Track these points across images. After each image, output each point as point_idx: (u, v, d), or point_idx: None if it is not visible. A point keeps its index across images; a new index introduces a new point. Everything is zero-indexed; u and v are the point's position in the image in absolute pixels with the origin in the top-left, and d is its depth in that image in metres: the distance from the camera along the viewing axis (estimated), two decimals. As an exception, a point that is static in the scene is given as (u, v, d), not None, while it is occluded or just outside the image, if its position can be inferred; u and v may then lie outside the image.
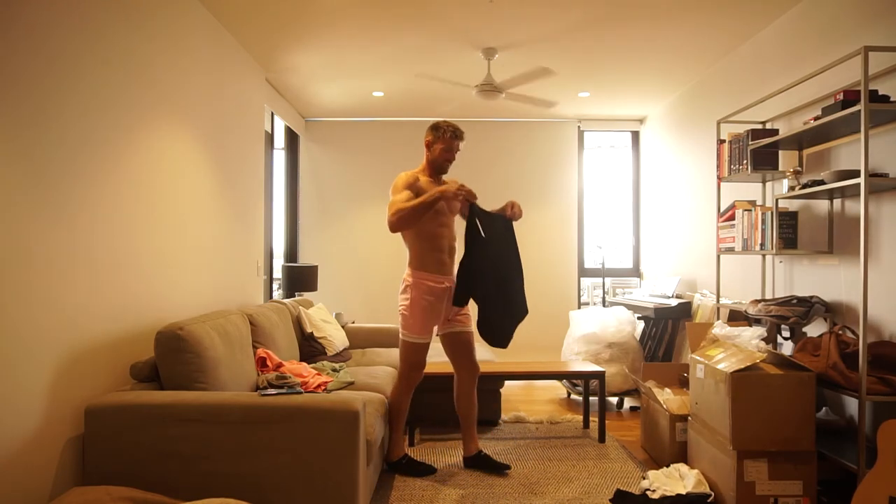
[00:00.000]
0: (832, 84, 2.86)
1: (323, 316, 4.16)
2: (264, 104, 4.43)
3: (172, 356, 2.25)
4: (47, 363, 2.03)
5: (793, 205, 3.19)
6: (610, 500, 2.63)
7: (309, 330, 3.86)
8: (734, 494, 2.42)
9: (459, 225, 2.98)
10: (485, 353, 3.88)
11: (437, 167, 2.93)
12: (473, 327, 2.97)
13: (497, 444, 3.40)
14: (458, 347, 2.97)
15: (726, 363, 2.55)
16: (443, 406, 3.45)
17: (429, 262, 2.87)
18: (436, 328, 2.96)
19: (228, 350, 2.52)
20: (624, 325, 4.38)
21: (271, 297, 5.03)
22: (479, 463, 3.02)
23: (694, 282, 4.61)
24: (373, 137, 5.93)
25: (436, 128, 2.91)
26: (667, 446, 3.03)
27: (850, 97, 2.49)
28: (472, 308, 2.94)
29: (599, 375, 3.49)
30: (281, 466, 2.07)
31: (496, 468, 2.98)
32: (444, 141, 2.89)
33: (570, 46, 3.93)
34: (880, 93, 2.47)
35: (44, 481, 2.01)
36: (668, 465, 2.83)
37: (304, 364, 3.17)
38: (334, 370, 3.32)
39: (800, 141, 3.01)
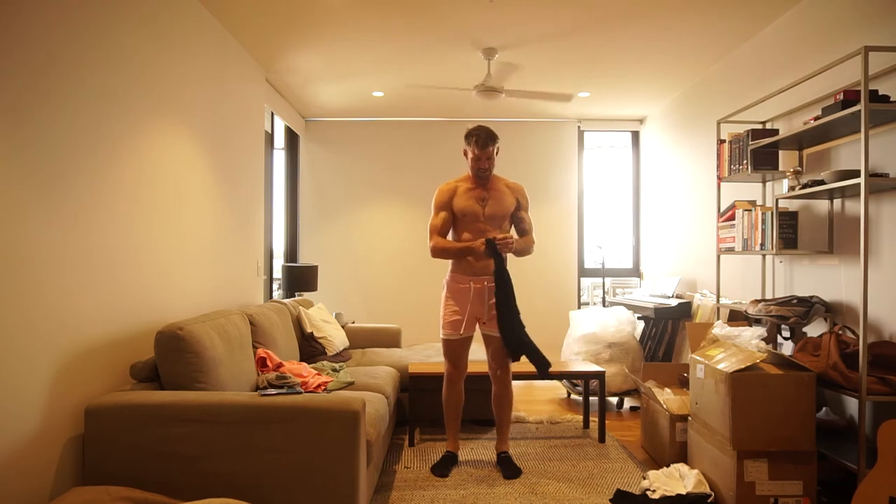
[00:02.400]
0: (832, 84, 2.86)
1: (323, 316, 4.16)
2: (264, 104, 4.43)
3: (172, 356, 2.25)
4: (47, 363, 2.02)
5: (793, 205, 3.19)
6: (610, 500, 2.63)
7: (309, 330, 3.86)
8: (734, 494, 2.42)
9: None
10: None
11: (473, 174, 2.95)
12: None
13: (497, 444, 3.40)
14: (489, 349, 3.02)
15: (726, 363, 2.55)
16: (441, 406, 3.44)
17: (458, 263, 2.96)
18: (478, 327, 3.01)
19: (228, 350, 2.52)
20: (624, 325, 4.38)
21: (271, 297, 5.02)
22: (500, 462, 3.04)
23: (694, 282, 4.61)
24: (373, 137, 5.93)
25: (466, 136, 2.91)
26: (667, 446, 3.02)
27: (850, 97, 2.49)
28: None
29: (599, 375, 3.49)
30: (281, 466, 2.07)
31: (507, 470, 2.96)
32: (471, 149, 2.90)
33: (570, 46, 3.93)
34: (880, 93, 2.47)
35: (44, 481, 2.01)
36: (668, 465, 2.83)
37: (304, 364, 3.16)
38: (334, 370, 3.32)
39: (800, 141, 3.01)
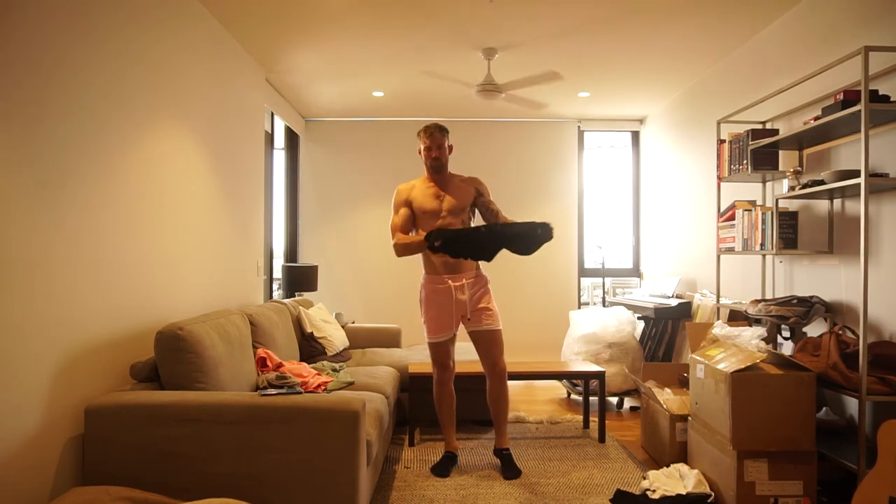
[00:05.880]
0: (832, 84, 2.86)
1: (323, 316, 4.16)
2: (264, 104, 4.43)
3: (172, 356, 2.25)
4: (47, 363, 2.02)
5: (793, 205, 3.19)
6: (610, 500, 2.63)
7: (309, 330, 3.87)
8: (734, 494, 2.42)
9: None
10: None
11: (428, 168, 3.01)
12: (501, 325, 3.00)
13: (497, 444, 3.40)
14: (480, 346, 3.02)
15: (726, 363, 2.55)
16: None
17: (432, 264, 2.97)
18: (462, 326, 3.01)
19: (228, 350, 2.52)
20: (624, 325, 4.38)
21: (271, 297, 5.02)
22: (500, 458, 3.04)
23: (694, 282, 4.61)
24: (373, 137, 5.92)
25: (418, 134, 3.02)
26: (667, 446, 3.02)
27: (850, 97, 2.49)
28: (501, 305, 3.03)
29: (599, 375, 3.49)
30: (281, 466, 2.07)
31: (507, 470, 2.96)
32: (422, 141, 2.99)
33: (570, 46, 3.93)
34: (880, 93, 2.47)
35: (44, 481, 2.01)
36: (668, 465, 2.83)
37: (304, 364, 3.17)
38: (334, 370, 3.32)
39: (800, 141, 3.01)
